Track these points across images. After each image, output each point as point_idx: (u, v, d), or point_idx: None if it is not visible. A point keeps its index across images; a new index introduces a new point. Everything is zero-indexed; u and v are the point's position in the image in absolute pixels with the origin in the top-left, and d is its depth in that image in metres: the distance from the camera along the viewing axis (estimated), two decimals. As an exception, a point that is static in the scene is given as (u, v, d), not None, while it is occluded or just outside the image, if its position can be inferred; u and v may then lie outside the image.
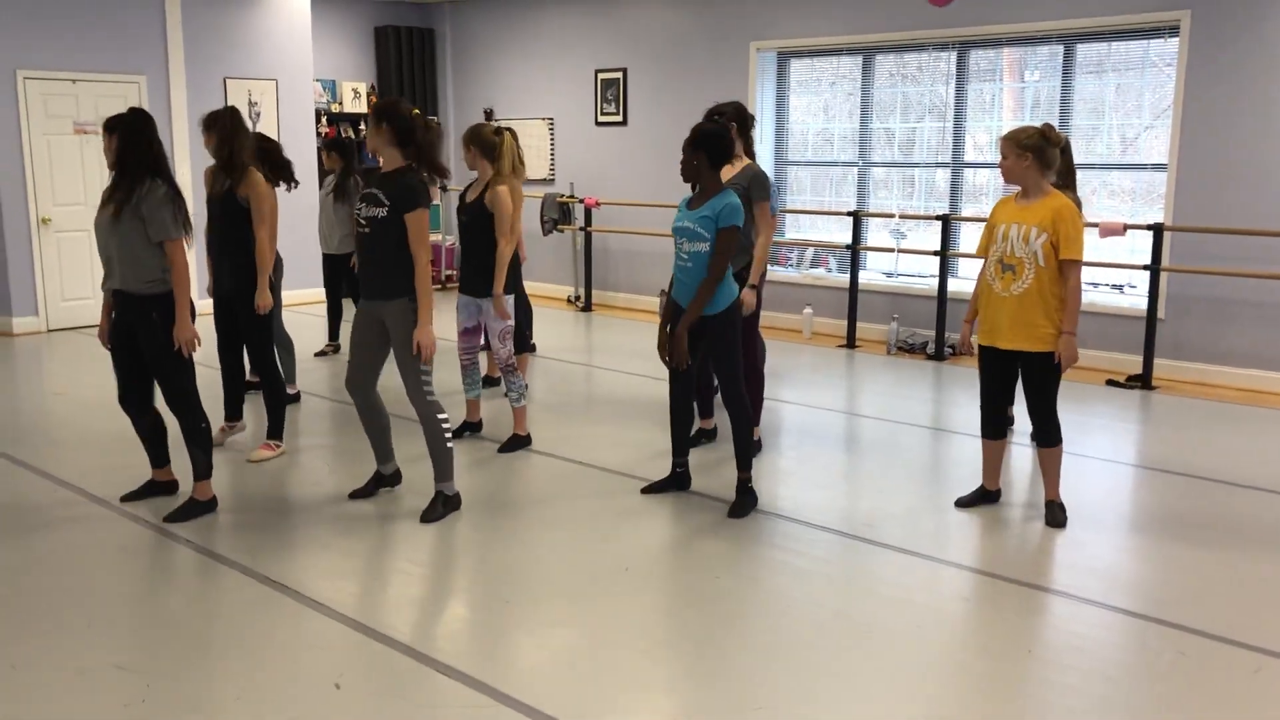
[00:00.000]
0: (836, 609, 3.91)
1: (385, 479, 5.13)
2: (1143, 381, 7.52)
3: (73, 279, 9.50)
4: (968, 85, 8.84)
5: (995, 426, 4.90)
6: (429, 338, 4.54)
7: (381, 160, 4.61)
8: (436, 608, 4.03)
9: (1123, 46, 8.06)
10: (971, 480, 5.17)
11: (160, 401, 4.80)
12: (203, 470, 4.78)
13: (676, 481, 5.16)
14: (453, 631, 3.79)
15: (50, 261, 9.43)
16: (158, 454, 4.99)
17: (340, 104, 11.93)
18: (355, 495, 5.06)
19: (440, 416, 4.72)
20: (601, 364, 8.36)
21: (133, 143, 4.53)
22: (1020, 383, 4.77)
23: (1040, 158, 4.51)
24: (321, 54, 11.50)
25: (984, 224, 4.85)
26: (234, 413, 5.92)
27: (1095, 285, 8.33)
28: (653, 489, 5.13)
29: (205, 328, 5.27)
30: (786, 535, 4.65)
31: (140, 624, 3.77)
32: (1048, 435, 4.73)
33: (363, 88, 12.06)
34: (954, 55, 8.84)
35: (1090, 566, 4.31)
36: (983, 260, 4.75)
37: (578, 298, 11.25)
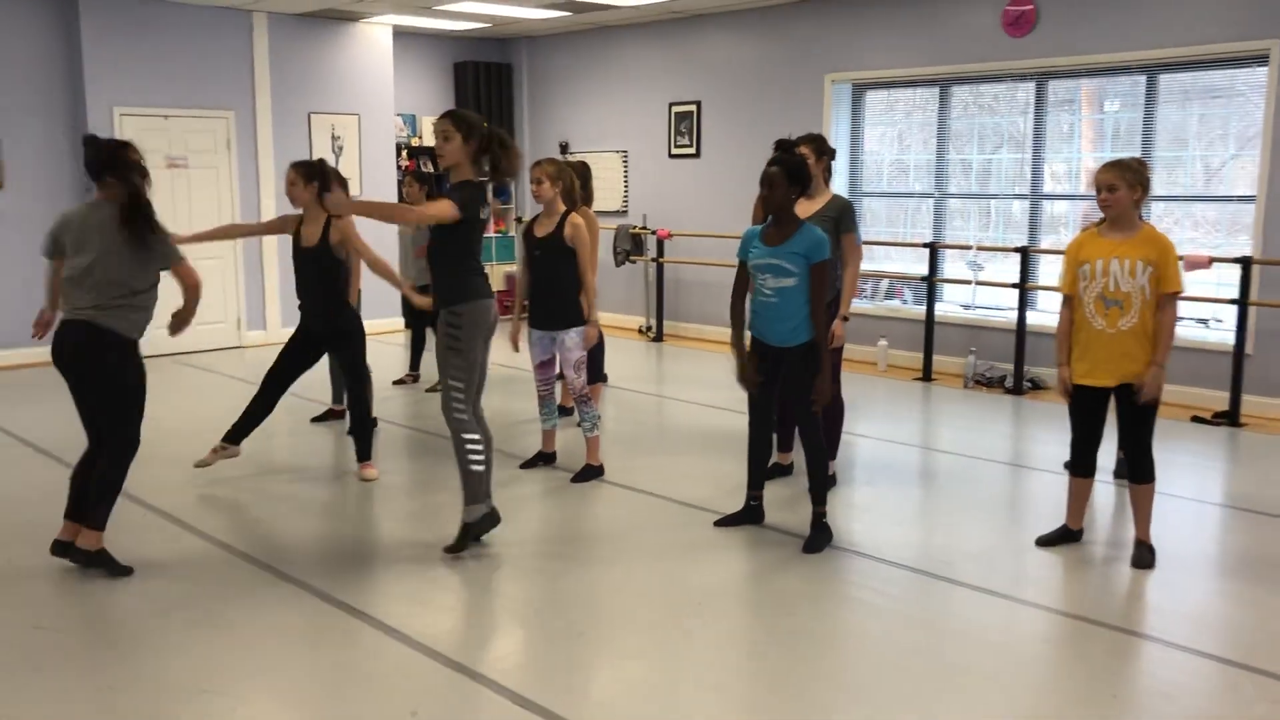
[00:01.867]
0: (913, 647, 3.85)
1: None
2: (1229, 418, 7.32)
3: (162, 307, 9.75)
4: (1046, 115, 8.74)
5: (1087, 464, 4.78)
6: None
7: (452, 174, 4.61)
8: (511, 637, 4.06)
9: (1207, 75, 7.91)
10: (1052, 518, 5.07)
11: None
12: (102, 521, 4.48)
13: (750, 515, 5.13)
14: (527, 661, 3.81)
15: (141, 291, 9.72)
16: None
17: (420, 138, 12.17)
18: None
19: (467, 436, 4.61)
20: (673, 394, 8.38)
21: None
22: (1117, 417, 4.66)
23: (1144, 192, 4.51)
24: (402, 89, 11.76)
25: (1063, 257, 4.77)
26: (236, 437, 5.92)
27: (1180, 319, 8.12)
28: (726, 522, 5.11)
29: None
30: (862, 572, 4.60)
31: (220, 648, 3.85)
32: (1142, 470, 4.63)
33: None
34: (1032, 86, 8.75)
35: (1177, 610, 4.20)
36: (1065, 297, 4.67)
37: (649, 328, 11.29)
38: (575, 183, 6.12)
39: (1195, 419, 7.40)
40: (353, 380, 5.99)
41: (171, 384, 8.66)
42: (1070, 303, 4.66)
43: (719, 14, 10.56)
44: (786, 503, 5.47)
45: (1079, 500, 4.86)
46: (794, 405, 4.85)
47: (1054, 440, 4.91)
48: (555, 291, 5.71)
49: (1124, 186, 4.44)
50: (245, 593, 4.38)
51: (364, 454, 5.94)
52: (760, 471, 5.10)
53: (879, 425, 7.33)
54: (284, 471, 6.14)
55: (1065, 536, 4.87)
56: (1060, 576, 4.57)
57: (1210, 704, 3.49)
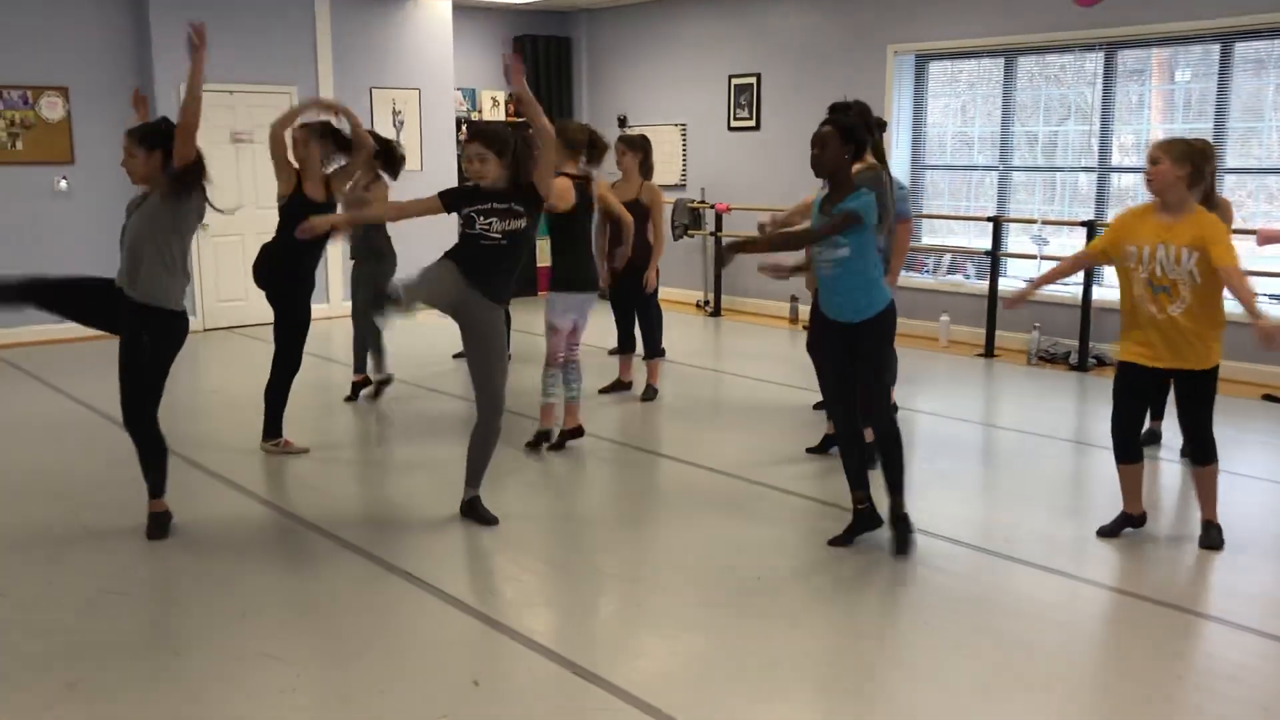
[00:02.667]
0: (974, 626, 3.82)
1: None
2: (1304, 396, 7.15)
3: (228, 281, 9.96)
4: (1115, 86, 8.53)
5: (1133, 449, 4.60)
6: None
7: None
8: (569, 608, 4.09)
9: (1286, 44, 7.67)
10: (1116, 497, 4.99)
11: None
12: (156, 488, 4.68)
13: (864, 521, 4.60)
14: (586, 633, 3.84)
15: (208, 264, 9.92)
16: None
17: (480, 112, 12.20)
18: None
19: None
20: (731, 369, 8.36)
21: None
22: (1176, 402, 4.56)
23: (1196, 172, 4.30)
24: (462, 63, 11.79)
25: (1110, 223, 4.60)
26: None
27: (1256, 295, 7.93)
28: (841, 541, 4.59)
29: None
30: (923, 549, 4.57)
31: (288, 615, 3.94)
32: (1205, 452, 4.52)
33: (501, 96, 12.31)
34: (1100, 56, 8.54)
35: (1246, 591, 4.12)
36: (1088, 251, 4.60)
37: (707, 303, 11.26)
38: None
39: (1267, 397, 7.22)
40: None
41: (232, 356, 8.82)
42: (1091, 251, 4.62)
43: (780, -15, 10.44)
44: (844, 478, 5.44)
45: (1132, 485, 4.66)
46: (866, 387, 4.47)
47: (1049, 411, 4.80)
48: (579, 252, 5.84)
49: (1168, 160, 4.26)
50: (308, 560, 4.46)
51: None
52: (860, 470, 4.60)
53: (940, 401, 7.26)
54: (342, 444, 6.23)
55: (1125, 523, 4.69)
56: (1125, 556, 4.50)
57: (1278, 686, 3.42)
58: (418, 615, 3.93)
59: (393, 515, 4.99)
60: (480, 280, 4.62)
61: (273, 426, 5.87)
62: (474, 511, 4.79)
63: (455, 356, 8.46)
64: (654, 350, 7.20)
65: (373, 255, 6.91)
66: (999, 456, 6.16)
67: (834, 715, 3.25)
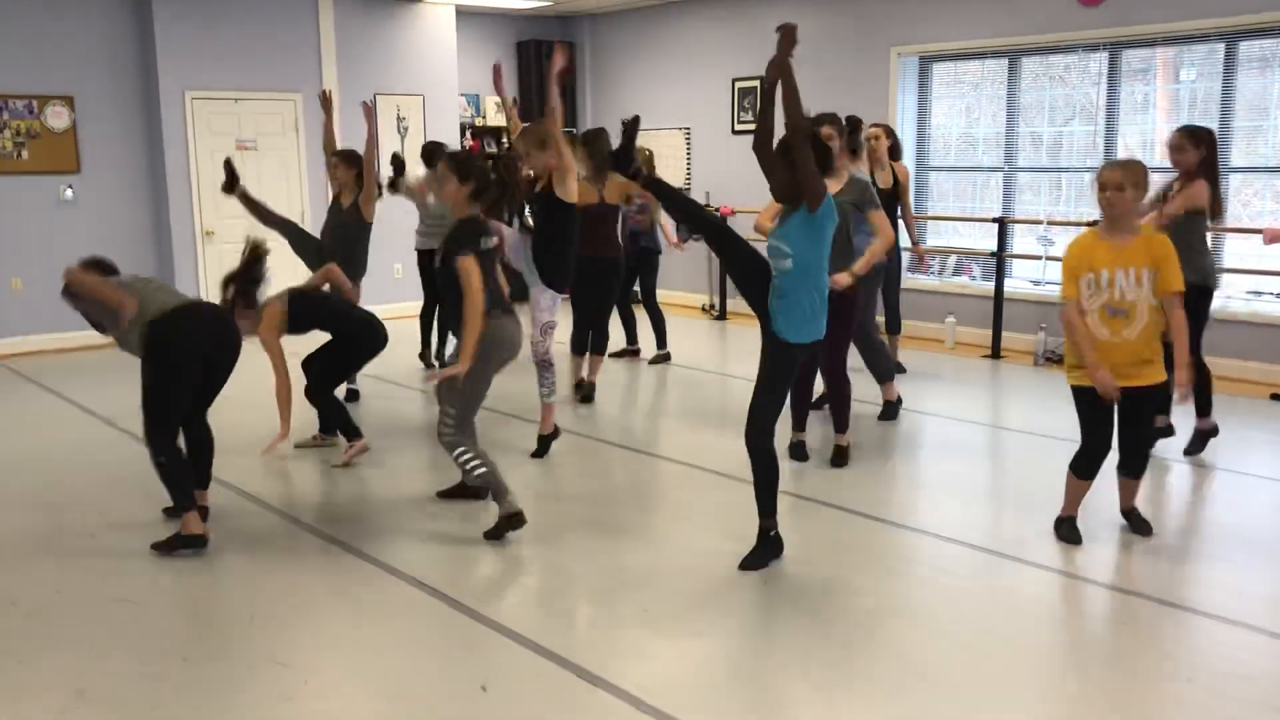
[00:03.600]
0: (983, 627, 3.81)
1: (469, 490, 5.18)
2: (1312, 395, 7.12)
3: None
4: (1119, 86, 8.52)
5: (1094, 470, 4.58)
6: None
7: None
8: (578, 614, 4.09)
9: (1290, 42, 7.66)
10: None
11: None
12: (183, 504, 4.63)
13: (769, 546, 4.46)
14: (593, 638, 3.83)
15: (214, 272, 9.92)
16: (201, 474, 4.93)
17: (484, 118, 12.22)
18: (442, 495, 5.22)
19: (456, 451, 4.62)
20: (735, 373, 8.34)
21: None
22: (1119, 416, 4.51)
23: (1138, 186, 4.33)
24: (466, 69, 11.81)
25: (1063, 265, 4.54)
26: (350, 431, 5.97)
27: (1259, 294, 7.93)
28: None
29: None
30: (929, 550, 4.56)
31: (296, 621, 3.94)
32: (1142, 467, 4.60)
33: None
34: (1105, 56, 8.53)
35: (1257, 592, 4.10)
36: (1071, 302, 4.44)
37: (712, 306, 11.26)
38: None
39: (1275, 396, 7.20)
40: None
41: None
42: (1077, 306, 4.43)
43: (782, -12, 10.45)
44: (853, 478, 5.43)
45: (1079, 495, 4.65)
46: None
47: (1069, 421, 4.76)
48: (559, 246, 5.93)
49: (1131, 188, 4.28)
50: (317, 567, 4.47)
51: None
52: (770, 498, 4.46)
53: (947, 403, 7.25)
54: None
55: (1065, 524, 4.66)
56: (1133, 558, 4.48)
57: (1291, 688, 3.41)
58: (425, 620, 3.93)
59: (400, 521, 4.98)
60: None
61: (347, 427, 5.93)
62: (518, 521, 4.69)
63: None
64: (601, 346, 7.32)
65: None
66: (1006, 458, 6.14)
67: (838, 715, 3.24)
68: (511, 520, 4.65)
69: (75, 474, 5.76)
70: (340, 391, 6.37)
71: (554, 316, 5.94)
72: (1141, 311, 4.31)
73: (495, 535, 4.67)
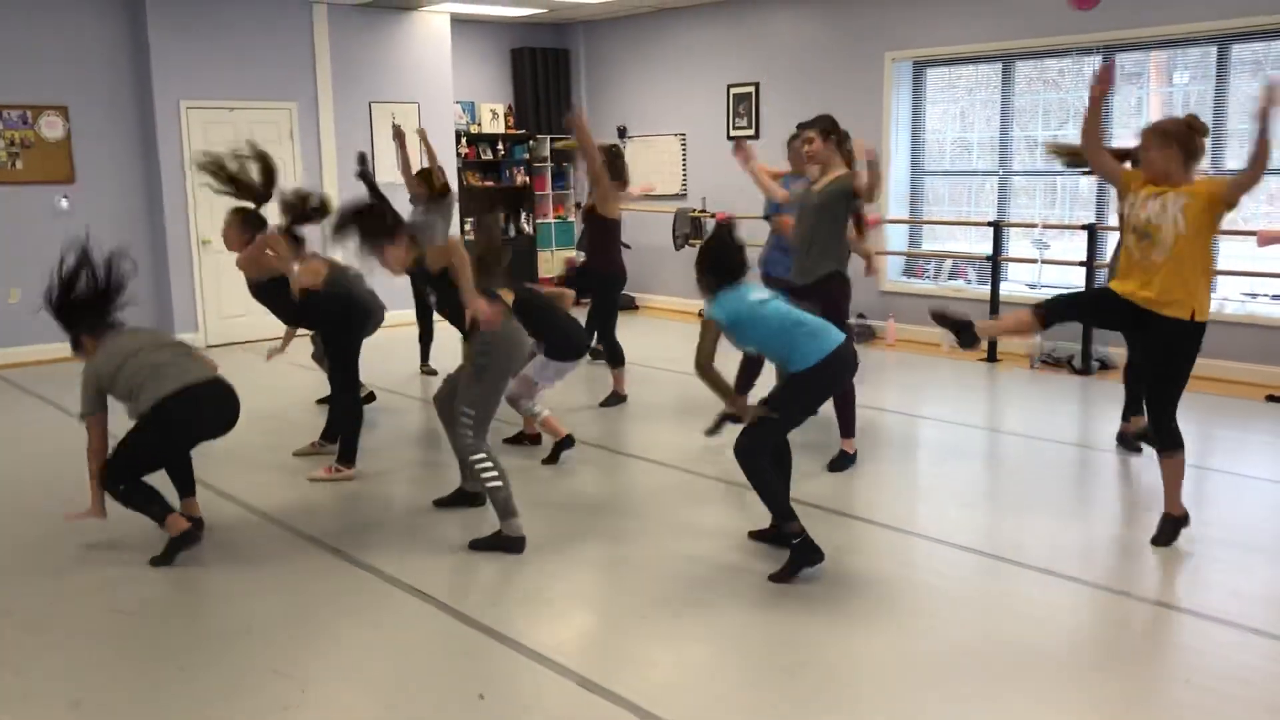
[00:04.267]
0: (982, 631, 3.81)
1: (467, 496, 5.19)
2: (1308, 397, 7.13)
3: (230, 297, 9.96)
4: (1113, 89, 8.53)
5: (1050, 307, 4.57)
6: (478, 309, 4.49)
7: None
8: (575, 621, 4.08)
9: (1282, 45, 7.68)
10: (1121, 500, 4.99)
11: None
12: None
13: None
14: (590, 644, 3.83)
15: (209, 280, 9.94)
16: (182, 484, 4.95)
17: (479, 125, 12.23)
18: (439, 503, 5.21)
19: (475, 457, 4.58)
20: (731, 378, 8.34)
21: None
22: (1144, 374, 4.51)
23: (1185, 148, 4.33)
24: (461, 76, 11.83)
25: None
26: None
27: (1254, 296, 7.94)
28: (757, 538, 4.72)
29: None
30: (929, 555, 4.56)
31: (293, 631, 3.93)
32: (1164, 438, 4.46)
33: (500, 109, 12.34)
34: (1098, 59, 8.55)
35: (1254, 594, 4.10)
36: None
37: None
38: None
39: (1270, 398, 7.21)
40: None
41: (234, 372, 8.82)
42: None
43: (776, -6, 10.47)
44: (850, 483, 5.43)
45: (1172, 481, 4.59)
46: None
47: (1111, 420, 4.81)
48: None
49: (1155, 146, 4.33)
50: (312, 575, 4.46)
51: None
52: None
53: (944, 407, 7.25)
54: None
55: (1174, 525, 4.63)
56: (1130, 560, 4.49)
57: (1289, 689, 3.41)
58: (423, 629, 3.92)
59: (396, 529, 4.98)
60: None
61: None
62: (519, 545, 4.65)
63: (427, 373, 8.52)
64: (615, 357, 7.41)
65: None
66: (1003, 461, 6.15)
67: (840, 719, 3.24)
68: (510, 543, 4.59)
69: (70, 485, 5.74)
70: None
71: (549, 382, 6.00)
72: (1168, 238, 4.28)
73: (483, 547, 4.63)
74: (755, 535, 4.70)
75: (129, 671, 3.62)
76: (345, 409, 5.82)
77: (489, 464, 4.59)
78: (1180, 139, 4.33)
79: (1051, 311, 4.53)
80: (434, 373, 8.31)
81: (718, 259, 4.42)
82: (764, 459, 4.29)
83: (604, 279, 7.28)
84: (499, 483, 4.59)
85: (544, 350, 5.89)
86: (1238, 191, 4.25)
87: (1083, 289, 4.60)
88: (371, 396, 7.18)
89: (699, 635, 3.81)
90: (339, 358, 5.78)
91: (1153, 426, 4.53)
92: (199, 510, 4.93)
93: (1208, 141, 4.50)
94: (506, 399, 5.76)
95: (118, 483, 4.53)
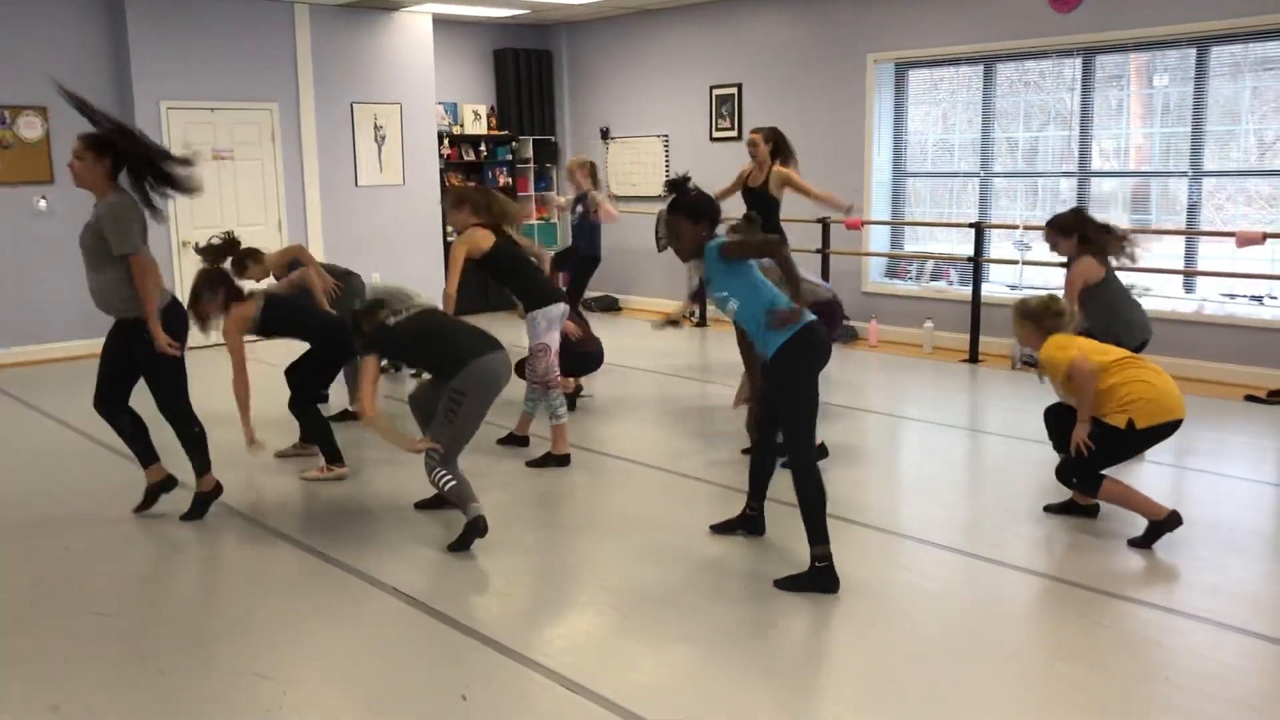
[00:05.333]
0: (964, 630, 3.83)
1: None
2: (1286, 396, 7.19)
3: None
4: (1093, 91, 8.59)
5: (1058, 441, 4.99)
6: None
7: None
8: (558, 622, 4.08)
9: (1259, 47, 7.74)
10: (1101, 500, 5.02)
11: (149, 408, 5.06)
12: (202, 468, 5.04)
13: (746, 523, 4.77)
14: (573, 645, 3.82)
15: (190, 282, 9.87)
16: (145, 450, 5.10)
17: (461, 126, 12.21)
18: (420, 506, 5.20)
19: (433, 473, 4.62)
20: (717, 380, 8.36)
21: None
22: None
23: (1039, 326, 4.79)
24: (443, 78, 11.80)
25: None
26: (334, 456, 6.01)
27: (1233, 296, 8.01)
28: (721, 529, 4.80)
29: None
30: (911, 555, 4.58)
31: (275, 633, 3.91)
32: (1084, 486, 4.72)
33: (483, 110, 12.32)
34: (1079, 61, 8.61)
35: (1233, 591, 4.13)
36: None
37: (693, 314, 11.27)
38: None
39: (1249, 398, 7.26)
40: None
41: (216, 374, 8.79)
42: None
43: (759, -5, 10.49)
44: (832, 483, 5.44)
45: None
46: (759, 422, 4.59)
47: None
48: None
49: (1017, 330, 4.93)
50: (294, 577, 4.44)
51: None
52: (760, 482, 4.75)
53: (926, 408, 7.28)
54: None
55: (1073, 508, 4.99)
56: (1110, 559, 4.51)
57: (1268, 685, 3.43)
58: (405, 630, 3.91)
59: (378, 531, 4.97)
60: None
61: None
62: (481, 526, 4.67)
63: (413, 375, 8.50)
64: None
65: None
66: (985, 461, 6.17)
67: (823, 718, 3.25)
68: (475, 526, 4.60)
69: (49, 486, 5.71)
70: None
71: (543, 338, 5.88)
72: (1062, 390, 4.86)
73: (461, 546, 4.63)
74: (717, 528, 4.77)
75: (109, 675, 3.59)
76: (310, 417, 5.84)
77: (441, 471, 4.62)
78: (1034, 318, 4.80)
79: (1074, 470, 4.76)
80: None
81: (697, 204, 4.29)
82: (817, 469, 4.15)
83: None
84: (453, 481, 4.62)
85: (524, 306, 5.91)
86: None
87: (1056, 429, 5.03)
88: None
89: (681, 635, 3.82)
90: (319, 372, 5.87)
91: (1074, 478, 4.72)
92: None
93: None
94: (536, 381, 5.86)
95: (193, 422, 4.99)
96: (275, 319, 5.67)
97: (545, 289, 5.95)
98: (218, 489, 5.16)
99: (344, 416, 6.95)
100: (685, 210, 4.29)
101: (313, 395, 5.89)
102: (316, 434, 5.82)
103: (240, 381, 5.40)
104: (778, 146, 7.46)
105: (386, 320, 4.72)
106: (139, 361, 4.85)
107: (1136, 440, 4.62)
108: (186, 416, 5.00)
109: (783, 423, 4.22)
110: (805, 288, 4.37)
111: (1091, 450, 4.58)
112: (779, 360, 4.10)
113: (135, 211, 4.71)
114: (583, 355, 6.93)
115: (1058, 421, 4.96)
